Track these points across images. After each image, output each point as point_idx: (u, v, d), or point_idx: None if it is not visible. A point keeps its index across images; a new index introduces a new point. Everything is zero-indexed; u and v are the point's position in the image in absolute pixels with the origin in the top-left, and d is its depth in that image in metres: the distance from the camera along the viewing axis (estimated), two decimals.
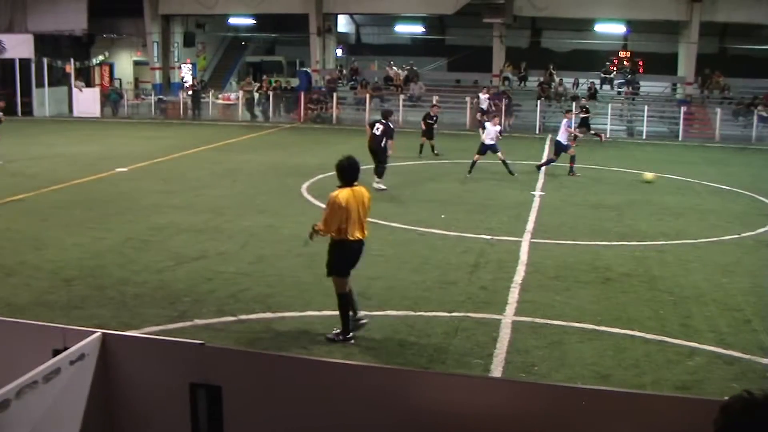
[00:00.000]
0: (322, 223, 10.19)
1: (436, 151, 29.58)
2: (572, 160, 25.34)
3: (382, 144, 21.42)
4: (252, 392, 5.01)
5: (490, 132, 24.69)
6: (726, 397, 4.40)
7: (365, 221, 10.48)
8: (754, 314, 12.06)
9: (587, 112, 35.64)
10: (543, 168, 25.76)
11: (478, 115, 37.54)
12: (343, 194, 10.16)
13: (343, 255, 10.35)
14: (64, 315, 10.95)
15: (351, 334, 10.45)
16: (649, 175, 24.08)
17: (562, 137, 25.37)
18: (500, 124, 26.73)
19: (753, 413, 3.23)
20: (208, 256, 14.38)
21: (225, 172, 24.13)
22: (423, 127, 29.75)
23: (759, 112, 40.40)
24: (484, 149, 24.60)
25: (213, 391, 4.99)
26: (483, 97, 39.58)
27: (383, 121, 22.00)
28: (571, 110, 29.55)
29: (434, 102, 35.95)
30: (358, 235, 10.25)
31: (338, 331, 10.48)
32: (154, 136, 34.45)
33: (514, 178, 24.08)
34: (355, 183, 10.40)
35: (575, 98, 40.19)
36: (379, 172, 21.62)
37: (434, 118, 29.64)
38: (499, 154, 24.39)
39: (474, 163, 24.50)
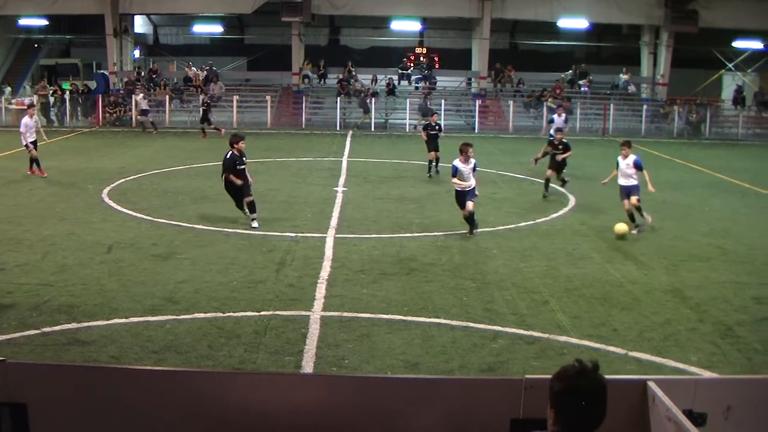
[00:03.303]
0: None
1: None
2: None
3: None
4: (61, 407, 4.78)
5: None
6: (527, 376, 4.60)
7: None
8: (551, 295, 12.66)
9: (208, 105, 36.47)
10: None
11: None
12: None
13: None
14: None
15: None
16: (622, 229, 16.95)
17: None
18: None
19: (585, 376, 3.70)
20: (7, 269, 13.60)
21: (22, 179, 22.94)
22: (425, 138, 25.78)
23: (548, 104, 42.40)
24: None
25: (17, 409, 4.73)
26: (140, 98, 39.56)
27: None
28: (562, 106, 30.03)
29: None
30: None
31: None
32: None
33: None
34: None
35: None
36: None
37: (437, 127, 26.06)
38: None
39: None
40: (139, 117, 39.14)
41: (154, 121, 38.77)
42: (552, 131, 26.49)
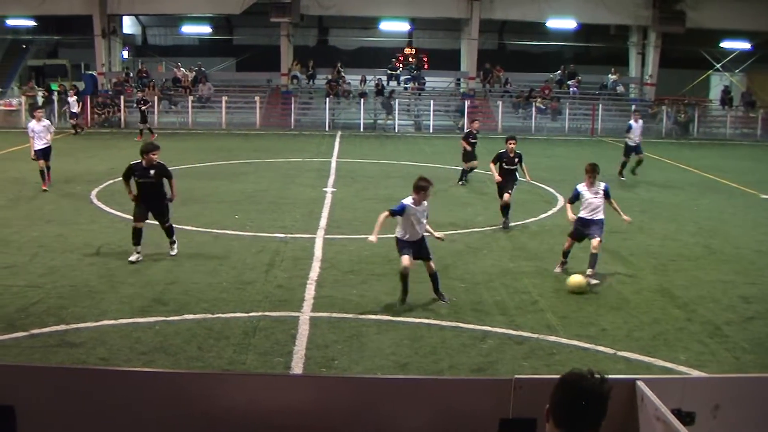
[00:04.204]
0: None
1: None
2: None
3: None
4: (49, 409, 4.75)
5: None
6: (516, 376, 4.61)
7: None
8: (540, 295, 12.68)
9: (145, 103, 36.29)
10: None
11: None
12: None
13: None
14: None
15: None
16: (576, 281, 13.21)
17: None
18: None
19: (581, 382, 3.70)
20: None
21: (9, 181, 22.79)
22: (468, 148, 24.01)
23: (537, 104, 42.55)
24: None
25: (5, 411, 4.70)
26: (71, 100, 39.19)
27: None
28: (638, 110, 30.18)
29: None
30: None
31: None
32: None
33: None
34: None
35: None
36: None
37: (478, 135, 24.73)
38: None
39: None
40: (70, 120, 38.75)
41: (79, 124, 38.22)
42: (631, 140, 26.19)
